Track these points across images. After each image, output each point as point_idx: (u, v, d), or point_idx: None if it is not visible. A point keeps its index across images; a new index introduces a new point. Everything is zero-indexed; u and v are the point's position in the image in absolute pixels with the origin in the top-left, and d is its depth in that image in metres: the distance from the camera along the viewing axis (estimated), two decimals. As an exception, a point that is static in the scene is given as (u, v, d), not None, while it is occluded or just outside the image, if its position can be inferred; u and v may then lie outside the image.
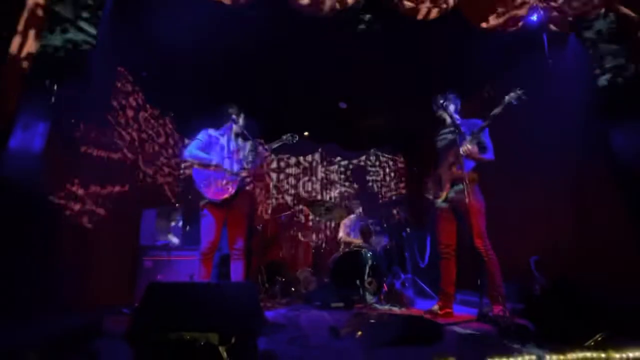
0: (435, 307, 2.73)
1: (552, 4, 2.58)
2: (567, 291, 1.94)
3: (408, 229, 4.15)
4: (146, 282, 3.05)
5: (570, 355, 1.55)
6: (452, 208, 2.72)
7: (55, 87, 2.07)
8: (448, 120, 2.81)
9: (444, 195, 2.73)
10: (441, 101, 2.76)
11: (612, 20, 2.48)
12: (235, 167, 2.80)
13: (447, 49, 3.41)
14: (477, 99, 4.06)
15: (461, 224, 2.71)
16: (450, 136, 2.73)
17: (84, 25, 2.11)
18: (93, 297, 2.71)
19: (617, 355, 1.55)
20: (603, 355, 1.55)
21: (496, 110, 2.47)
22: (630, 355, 1.55)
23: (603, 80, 2.60)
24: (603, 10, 2.49)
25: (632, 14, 2.37)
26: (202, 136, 2.87)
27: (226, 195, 2.69)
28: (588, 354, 1.56)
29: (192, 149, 2.79)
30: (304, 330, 2.16)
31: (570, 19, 2.62)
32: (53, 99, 2.14)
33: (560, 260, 2.87)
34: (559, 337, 1.71)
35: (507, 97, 2.45)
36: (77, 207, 2.67)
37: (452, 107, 2.81)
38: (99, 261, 2.87)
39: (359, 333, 1.82)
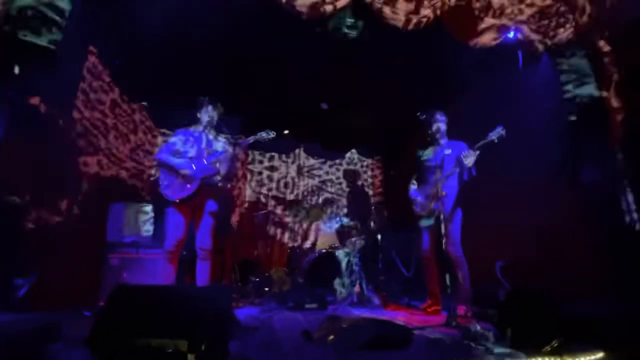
0: (425, 306, 3.07)
1: (529, 24, 2.72)
2: (528, 298, 2.06)
3: (384, 232, 4.23)
4: (112, 280, 2.97)
5: (528, 360, 1.65)
6: (434, 219, 2.96)
7: (17, 70, 1.92)
8: (438, 141, 3.07)
9: (426, 211, 3.01)
10: (430, 121, 3.05)
11: (583, 45, 2.65)
12: (203, 166, 2.71)
13: (427, 57, 3.49)
14: (454, 108, 4.20)
15: (439, 230, 2.88)
16: (437, 159, 2.95)
17: (50, 9, 1.97)
18: (51, 296, 2.55)
19: (570, 360, 1.66)
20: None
21: (480, 144, 2.73)
22: (582, 359, 1.67)
23: (571, 98, 2.78)
24: (575, 34, 2.66)
25: (600, 41, 2.54)
26: (175, 138, 2.82)
27: (184, 195, 2.61)
28: (545, 359, 1.66)
29: (163, 152, 2.76)
30: (277, 333, 2.15)
31: (544, 40, 2.77)
32: (13, 82, 1.99)
33: (525, 267, 3.04)
34: (519, 343, 1.81)
35: (491, 135, 2.69)
36: (37, 199, 2.51)
37: (441, 127, 3.06)
38: (58, 258, 2.71)
39: (331, 337, 1.84)
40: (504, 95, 3.51)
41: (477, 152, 2.74)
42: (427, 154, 3.13)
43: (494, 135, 2.69)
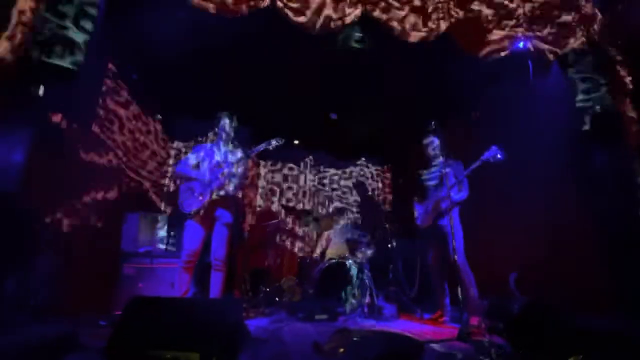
0: (435, 316, 3.18)
1: (538, 34, 2.71)
2: (542, 312, 2.01)
3: (394, 242, 4.20)
4: (126, 290, 3.03)
5: (544, 377, 1.60)
6: (436, 233, 3.10)
7: (41, 91, 2.02)
8: (436, 161, 3.27)
9: (428, 224, 3.16)
10: (433, 141, 3.27)
11: (594, 54, 2.62)
12: (213, 178, 2.78)
13: (436, 69, 3.51)
14: (464, 119, 4.19)
15: (443, 244, 3.02)
16: (437, 180, 3.16)
17: (74, 33, 2.07)
18: (68, 305, 2.62)
19: (589, 378, 1.61)
20: (575, 377, 1.61)
21: (474, 166, 2.80)
22: (601, 378, 1.62)
23: (583, 107, 2.74)
24: (586, 43, 2.63)
25: (612, 49, 2.51)
26: (194, 153, 2.96)
27: (198, 206, 2.71)
28: (561, 376, 1.61)
29: (180, 167, 2.91)
30: (287, 345, 2.15)
31: (555, 49, 2.75)
32: (37, 102, 2.09)
33: (538, 278, 2.97)
34: (534, 358, 1.76)
35: (485, 156, 2.73)
36: (56, 211, 2.60)
37: (432, 151, 3.29)
38: (75, 268, 2.79)
39: (342, 350, 1.83)
40: (515, 105, 3.48)
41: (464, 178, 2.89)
42: (426, 174, 3.36)
43: (489, 155, 2.69)
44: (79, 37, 2.06)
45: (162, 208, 4.41)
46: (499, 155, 2.66)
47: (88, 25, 2.13)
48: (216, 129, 3.00)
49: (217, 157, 2.90)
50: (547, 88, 3.07)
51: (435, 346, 2.13)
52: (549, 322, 1.93)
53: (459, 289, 2.76)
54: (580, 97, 2.71)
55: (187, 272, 2.72)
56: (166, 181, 4.75)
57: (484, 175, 2.85)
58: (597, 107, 2.62)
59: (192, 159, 2.91)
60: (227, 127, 2.96)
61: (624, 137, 2.53)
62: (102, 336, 1.70)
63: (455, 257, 2.73)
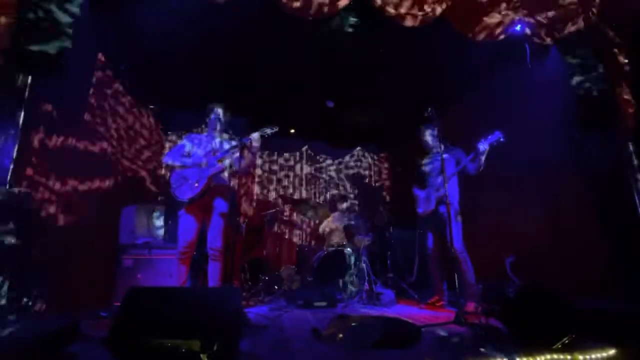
0: (433, 300, 3.24)
1: (537, 17, 2.67)
2: (538, 294, 2.04)
3: (391, 229, 4.23)
4: (126, 281, 3.05)
5: (539, 358, 1.64)
6: (436, 219, 3.15)
7: (30, 79, 1.98)
8: (434, 148, 3.28)
9: (429, 212, 3.20)
10: (428, 131, 3.29)
11: (592, 38, 2.59)
12: (210, 163, 2.76)
13: (432, 53, 3.46)
14: (461, 104, 4.17)
15: (442, 230, 3.07)
16: (437, 164, 3.17)
17: (60, 14, 2.02)
18: (69, 298, 2.64)
19: (581, 357, 1.65)
20: (569, 357, 1.65)
21: (482, 150, 2.83)
22: (594, 356, 1.66)
23: (580, 91, 2.73)
24: (584, 26, 2.60)
25: (611, 33, 2.49)
26: (185, 141, 2.92)
27: (193, 194, 2.67)
28: (555, 356, 1.66)
29: (172, 154, 2.85)
30: (287, 331, 2.18)
31: (552, 33, 2.72)
32: (27, 92, 2.05)
33: (534, 262, 3.02)
34: (529, 340, 1.80)
35: (488, 140, 2.80)
36: (52, 204, 2.59)
37: (429, 140, 3.29)
38: (75, 261, 2.79)
39: (340, 336, 1.86)
40: (512, 89, 3.46)
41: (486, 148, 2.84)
42: (425, 161, 3.39)
43: (493, 139, 2.79)
44: (63, 19, 2.00)
45: (159, 198, 4.39)
46: (502, 139, 2.77)
47: (73, 8, 2.07)
48: (208, 120, 2.96)
49: (212, 146, 2.88)
50: (545, 72, 3.04)
51: (432, 330, 2.17)
52: (544, 304, 1.97)
53: (456, 275, 2.81)
54: (576, 80, 2.69)
55: (183, 263, 2.72)
56: (162, 171, 4.73)
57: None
58: (594, 91, 2.61)
59: (183, 146, 2.88)
60: (220, 118, 2.93)
61: (620, 121, 2.53)
62: (103, 327, 1.72)
63: (453, 242, 2.78)
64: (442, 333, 2.09)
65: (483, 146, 2.82)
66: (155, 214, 3.57)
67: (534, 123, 3.18)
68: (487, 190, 3.56)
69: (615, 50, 2.53)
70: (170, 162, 2.83)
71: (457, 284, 2.77)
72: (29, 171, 2.34)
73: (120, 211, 3.40)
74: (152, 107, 4.49)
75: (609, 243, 2.54)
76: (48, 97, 2.44)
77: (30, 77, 2.08)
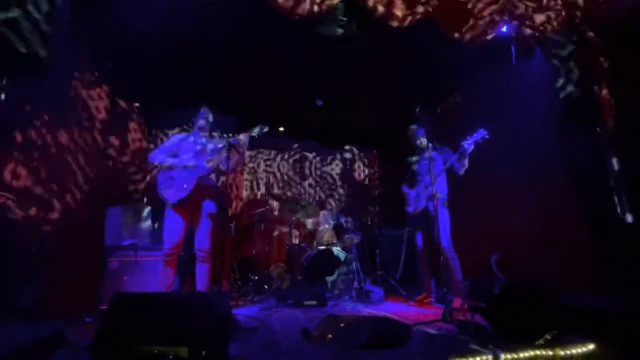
0: (420, 297, 3.28)
1: (521, 19, 2.72)
2: (522, 291, 2.10)
3: (381, 227, 4.27)
4: (112, 284, 3.00)
5: (522, 354, 1.69)
6: (426, 217, 3.19)
7: (4, 82, 1.91)
8: (423, 146, 3.29)
9: (419, 210, 3.23)
10: (416, 131, 3.33)
11: (574, 39, 2.66)
12: (199, 165, 2.73)
13: (422, 53, 3.49)
14: (449, 102, 4.22)
15: (430, 228, 3.12)
16: (425, 163, 3.17)
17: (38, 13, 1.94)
18: (54, 302, 2.57)
19: (562, 352, 1.71)
20: (550, 352, 1.71)
21: (463, 148, 2.90)
22: (574, 351, 1.72)
23: (563, 91, 2.79)
24: (567, 28, 2.66)
25: (591, 34, 2.55)
26: (171, 141, 2.88)
27: (182, 195, 2.64)
28: (537, 352, 1.71)
29: (159, 153, 2.80)
30: (276, 332, 2.18)
31: (537, 34, 2.77)
32: (3, 96, 1.97)
33: (521, 260, 3.10)
34: (513, 336, 1.85)
35: (472, 138, 2.86)
36: (34, 206, 2.51)
37: (418, 139, 3.31)
38: (60, 264, 2.72)
39: (330, 336, 1.88)
40: (500, 89, 3.52)
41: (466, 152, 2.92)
42: (414, 160, 3.42)
43: (477, 137, 2.84)
44: (44, 21, 1.94)
45: (145, 199, 4.31)
46: (486, 135, 2.83)
47: (44, 5, 2.00)
48: (195, 119, 2.93)
49: (198, 146, 2.84)
50: (530, 72, 3.10)
51: (421, 328, 2.21)
52: (528, 301, 2.02)
53: (443, 272, 2.86)
54: (560, 81, 2.76)
55: (169, 265, 2.68)
56: (150, 172, 4.64)
57: (469, 158, 2.91)
58: (577, 91, 2.68)
59: (169, 146, 2.83)
60: (208, 117, 2.91)
61: (601, 120, 2.60)
62: (89, 333, 1.69)
63: (441, 240, 2.82)
64: (431, 331, 2.13)
65: (468, 145, 2.87)
66: (141, 215, 3.51)
67: (522, 122, 3.24)
68: (475, 189, 3.62)
69: (596, 51, 2.59)
70: (157, 161, 2.77)
71: (444, 280, 2.85)
72: (10, 173, 2.26)
73: (105, 212, 3.32)
74: (136, 104, 4.39)
75: (593, 241, 2.63)
76: (28, 96, 2.36)
77: (7, 77, 2.00)
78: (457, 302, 2.77)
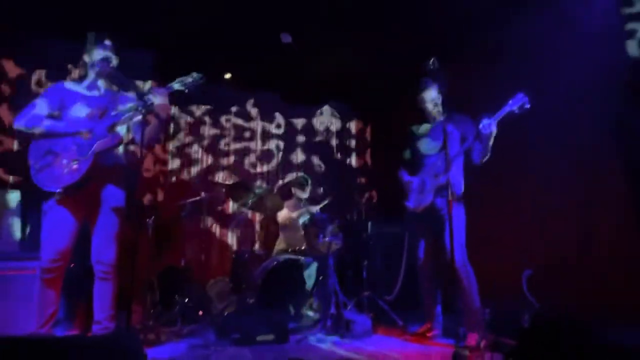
0: (422, 329, 3.31)
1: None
2: (562, 324, 2.20)
3: (371, 228, 4.33)
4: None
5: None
6: (431, 217, 3.20)
7: None
8: (436, 113, 3.30)
9: (423, 207, 3.23)
10: (428, 91, 3.29)
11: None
12: (97, 133, 2.64)
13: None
14: (469, 56, 4.25)
15: (438, 234, 3.17)
16: (437, 137, 3.17)
17: None
18: None
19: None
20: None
21: (497, 116, 2.87)
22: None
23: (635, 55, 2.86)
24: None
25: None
26: (48, 96, 2.72)
27: (71, 181, 2.54)
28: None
29: (28, 118, 2.62)
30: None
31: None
32: None
33: (558, 279, 3.25)
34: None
35: (511, 104, 2.83)
36: None
37: (434, 98, 3.29)
38: None
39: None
40: (544, 45, 3.58)
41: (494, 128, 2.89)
42: (423, 131, 3.41)
43: (515, 104, 2.82)
44: None
45: (11, 181, 4.11)
46: (526, 105, 2.80)
47: None
48: (85, 59, 2.78)
49: (94, 103, 2.73)
50: (589, 24, 3.14)
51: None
52: (570, 338, 2.12)
53: (456, 296, 2.93)
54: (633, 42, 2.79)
55: (51, 284, 2.60)
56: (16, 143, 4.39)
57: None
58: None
59: (45, 104, 2.68)
60: (110, 57, 2.76)
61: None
62: None
63: (454, 251, 2.86)
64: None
65: (493, 122, 2.86)
66: (7, 205, 3.41)
67: (566, 91, 3.31)
68: (498, 182, 3.70)
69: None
70: (23, 126, 2.61)
71: (456, 307, 2.91)
72: None
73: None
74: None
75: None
76: None
77: None
78: (472, 339, 2.86)
